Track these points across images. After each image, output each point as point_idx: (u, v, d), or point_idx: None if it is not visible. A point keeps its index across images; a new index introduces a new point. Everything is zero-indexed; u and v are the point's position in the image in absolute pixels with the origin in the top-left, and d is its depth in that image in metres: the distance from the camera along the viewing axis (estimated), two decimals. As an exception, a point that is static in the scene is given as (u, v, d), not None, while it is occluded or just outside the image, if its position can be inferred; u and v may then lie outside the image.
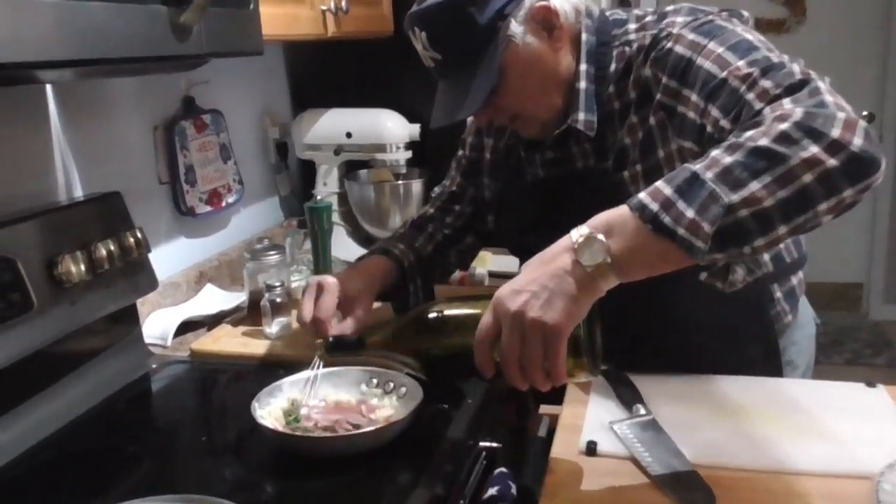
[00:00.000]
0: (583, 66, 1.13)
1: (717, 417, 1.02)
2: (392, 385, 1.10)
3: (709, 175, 0.80)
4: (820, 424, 1.00)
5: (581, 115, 1.12)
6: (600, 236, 0.80)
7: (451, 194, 1.40)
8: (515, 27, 1.08)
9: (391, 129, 1.93)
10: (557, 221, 1.18)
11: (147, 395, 1.29)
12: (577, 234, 0.82)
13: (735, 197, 0.78)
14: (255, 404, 1.02)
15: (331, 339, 1.04)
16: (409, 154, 1.96)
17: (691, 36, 1.02)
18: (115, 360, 1.31)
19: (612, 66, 1.12)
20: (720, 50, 0.98)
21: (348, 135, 1.95)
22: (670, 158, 1.08)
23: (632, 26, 1.13)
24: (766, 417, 1.02)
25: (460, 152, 1.40)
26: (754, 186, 0.78)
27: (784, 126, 0.80)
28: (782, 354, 1.26)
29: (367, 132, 1.94)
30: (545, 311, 0.80)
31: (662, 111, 1.06)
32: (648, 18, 1.12)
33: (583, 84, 1.12)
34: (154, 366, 1.34)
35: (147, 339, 1.41)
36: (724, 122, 0.94)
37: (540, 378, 0.83)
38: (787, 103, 0.85)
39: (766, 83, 0.90)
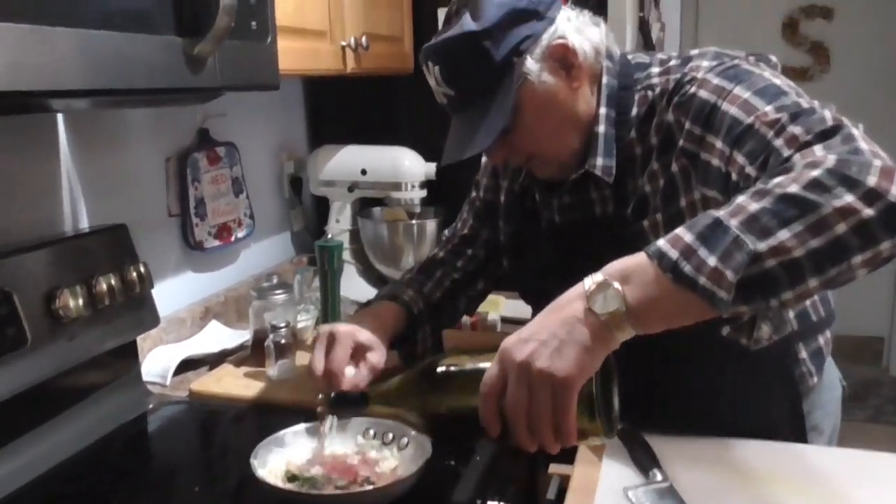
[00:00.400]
0: (602, 110, 1.09)
1: (740, 486, 0.96)
2: (392, 436, 1.05)
3: (733, 222, 0.75)
4: (852, 498, 0.93)
5: (599, 161, 1.08)
6: (615, 283, 0.76)
7: (462, 237, 1.35)
8: (532, 64, 1.04)
9: (407, 167, 1.90)
10: (574, 268, 1.13)
11: (143, 436, 1.25)
12: (591, 281, 0.78)
13: (762, 245, 0.73)
14: (254, 462, 0.96)
15: (333, 394, 0.98)
16: (424, 193, 1.93)
17: (716, 80, 0.98)
18: (112, 398, 1.26)
19: (634, 111, 1.08)
20: (746, 95, 0.94)
21: (363, 171, 1.92)
22: (693, 207, 1.03)
23: (655, 70, 1.09)
24: (794, 488, 0.95)
25: (473, 194, 1.35)
26: (783, 235, 0.73)
27: (816, 173, 0.76)
28: (807, 419, 1.20)
29: (382, 169, 1.91)
30: (554, 361, 0.76)
31: (685, 158, 1.02)
32: (672, 62, 1.08)
33: (602, 128, 1.08)
34: (151, 405, 1.30)
35: (146, 377, 1.37)
36: (750, 170, 0.89)
37: (549, 436, 0.78)
38: (818, 150, 0.80)
39: (795, 129, 0.86)
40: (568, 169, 1.12)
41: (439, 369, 0.93)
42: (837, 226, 0.73)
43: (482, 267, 1.33)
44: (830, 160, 0.77)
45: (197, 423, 1.29)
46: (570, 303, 0.78)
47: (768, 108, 0.90)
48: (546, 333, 0.77)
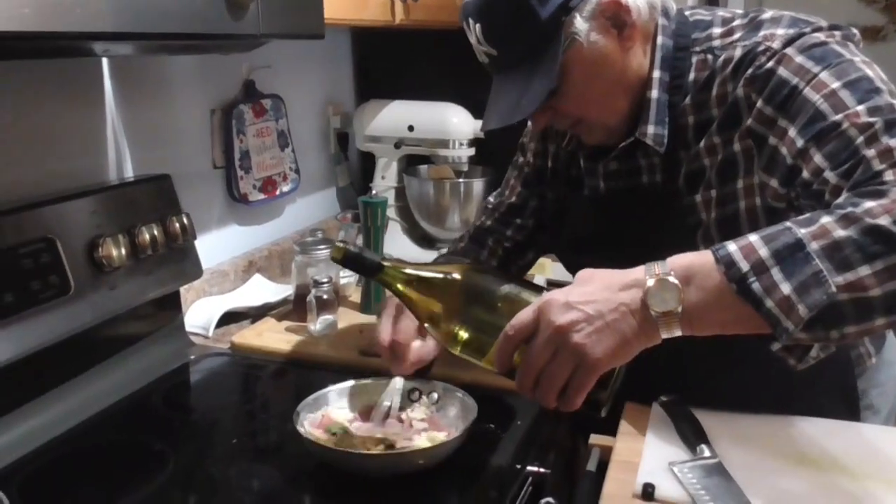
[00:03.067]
0: (656, 73, 1.01)
1: (794, 466, 0.91)
2: (418, 393, 1.04)
3: (815, 246, 0.71)
4: (910, 483, 0.88)
5: (650, 129, 1.01)
6: (677, 282, 0.73)
7: (510, 206, 1.28)
8: (580, 23, 0.96)
9: (455, 124, 1.85)
10: (616, 240, 1.08)
11: (183, 387, 1.25)
12: (653, 272, 0.75)
13: (840, 279, 0.70)
14: (300, 414, 0.96)
15: (348, 249, 0.92)
16: (472, 151, 1.88)
17: (799, 59, 0.89)
18: (155, 348, 1.27)
19: (692, 75, 1.00)
20: (835, 85, 0.85)
21: (410, 128, 1.88)
22: (750, 191, 0.97)
23: (716, 31, 1.00)
24: (853, 470, 0.90)
25: (521, 159, 1.28)
26: (863, 271, 0.70)
27: None
28: (862, 398, 1.14)
29: (430, 126, 1.87)
30: (592, 341, 0.74)
31: (751, 138, 0.94)
32: (737, 23, 1.00)
33: (655, 93, 1.01)
34: (193, 357, 1.30)
35: (189, 328, 1.38)
36: (830, 175, 0.82)
37: (551, 397, 0.78)
38: None
39: (890, 141, 0.78)
40: (616, 135, 1.05)
41: (475, 278, 0.89)
42: None
43: (532, 236, 1.28)
44: None
45: (237, 376, 1.29)
46: (628, 288, 0.76)
47: (860, 108, 0.82)
48: (594, 309, 0.75)
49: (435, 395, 1.03)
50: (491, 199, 1.33)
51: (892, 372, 1.21)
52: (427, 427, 0.99)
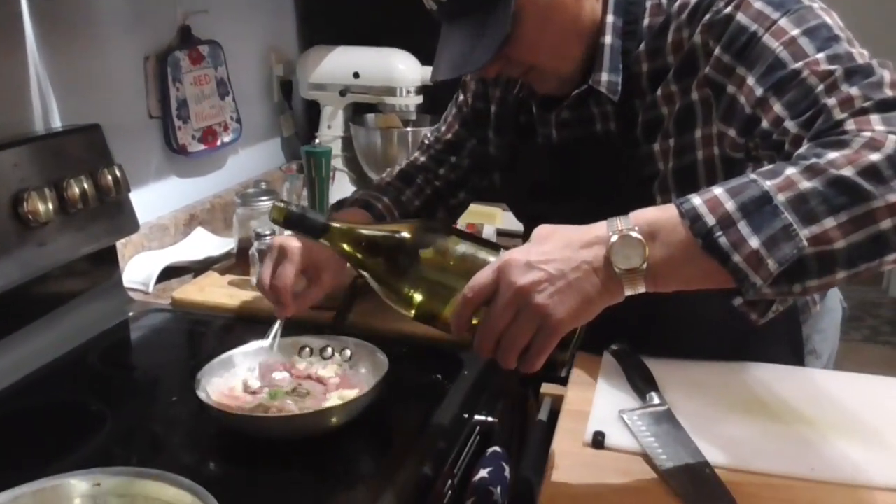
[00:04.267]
0: (609, 18, 0.98)
1: (741, 412, 0.92)
2: (330, 350, 1.01)
3: (781, 198, 0.69)
4: (862, 426, 0.90)
5: (604, 76, 0.98)
6: (641, 237, 0.70)
7: (447, 143, 1.26)
8: None
9: (402, 71, 1.80)
10: (572, 188, 1.07)
11: (122, 345, 1.21)
12: (616, 227, 0.71)
13: (806, 232, 0.68)
14: (200, 379, 0.92)
15: (293, 209, 0.88)
16: (419, 99, 1.84)
17: (758, 4, 0.87)
18: (92, 305, 1.22)
19: (646, 21, 0.97)
20: (794, 32, 0.83)
21: (356, 75, 1.82)
22: (708, 141, 0.95)
23: None
24: (799, 414, 0.92)
25: (461, 97, 1.25)
26: (828, 224, 0.68)
27: (875, 158, 0.69)
28: (805, 343, 1.15)
29: (376, 73, 1.82)
30: (554, 302, 0.71)
31: (708, 87, 0.92)
32: None
33: (608, 39, 0.98)
34: (132, 313, 1.25)
35: (128, 284, 1.33)
36: (790, 124, 0.80)
37: (512, 358, 0.74)
38: (876, 123, 0.73)
39: (850, 90, 0.77)
40: (569, 83, 1.02)
41: (428, 237, 0.83)
42: (883, 221, 0.68)
43: (465, 176, 1.25)
44: (892, 144, 0.70)
45: (179, 333, 1.25)
46: (590, 245, 0.72)
47: (819, 56, 0.80)
48: (555, 268, 0.72)
49: (348, 353, 1.01)
50: (428, 134, 1.31)
51: (833, 317, 1.23)
52: (339, 384, 0.97)
